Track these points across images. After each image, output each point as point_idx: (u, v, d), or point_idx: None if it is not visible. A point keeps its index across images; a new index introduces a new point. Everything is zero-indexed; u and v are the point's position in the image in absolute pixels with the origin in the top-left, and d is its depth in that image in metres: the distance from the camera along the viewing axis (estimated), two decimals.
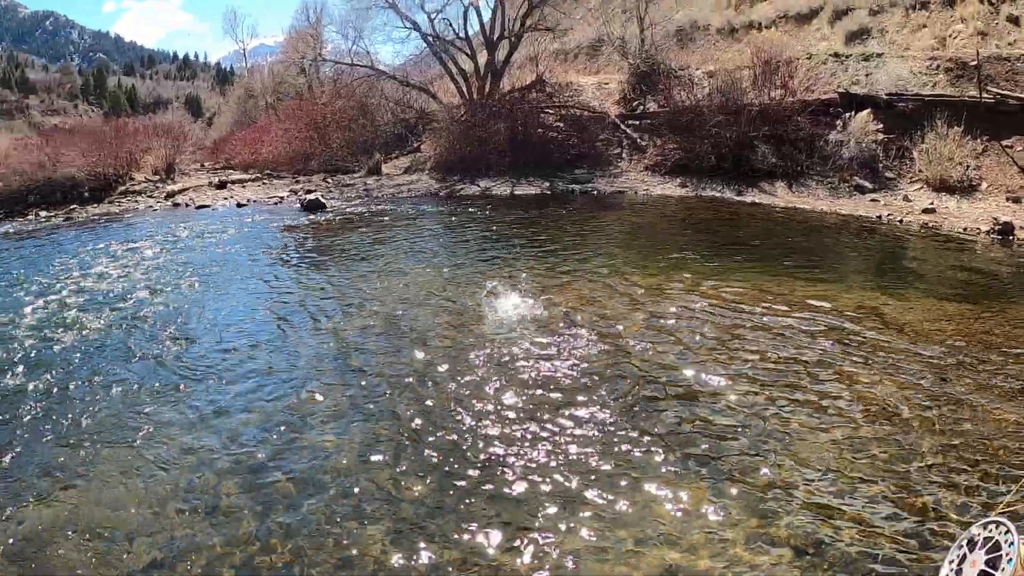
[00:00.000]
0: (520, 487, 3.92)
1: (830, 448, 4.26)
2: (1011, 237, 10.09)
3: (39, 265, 9.58)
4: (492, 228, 11.27)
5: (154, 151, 18.79)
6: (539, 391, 5.06)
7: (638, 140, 16.74)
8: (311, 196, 14.28)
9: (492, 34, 18.94)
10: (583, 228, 11.14)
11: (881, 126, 13.58)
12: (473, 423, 4.63)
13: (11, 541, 3.63)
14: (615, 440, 4.38)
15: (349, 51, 21.57)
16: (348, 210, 13.58)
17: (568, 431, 4.50)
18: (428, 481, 4.00)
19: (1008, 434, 4.40)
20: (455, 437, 4.46)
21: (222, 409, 5.00)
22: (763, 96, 14.92)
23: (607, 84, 19.15)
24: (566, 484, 3.92)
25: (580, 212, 12.76)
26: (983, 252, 9.56)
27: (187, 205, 15.10)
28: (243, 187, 17.18)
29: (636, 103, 17.76)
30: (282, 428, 4.69)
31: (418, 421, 4.70)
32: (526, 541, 3.48)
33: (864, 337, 6.00)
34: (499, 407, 4.84)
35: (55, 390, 5.43)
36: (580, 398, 4.95)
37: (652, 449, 4.26)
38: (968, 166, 12.32)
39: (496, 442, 4.39)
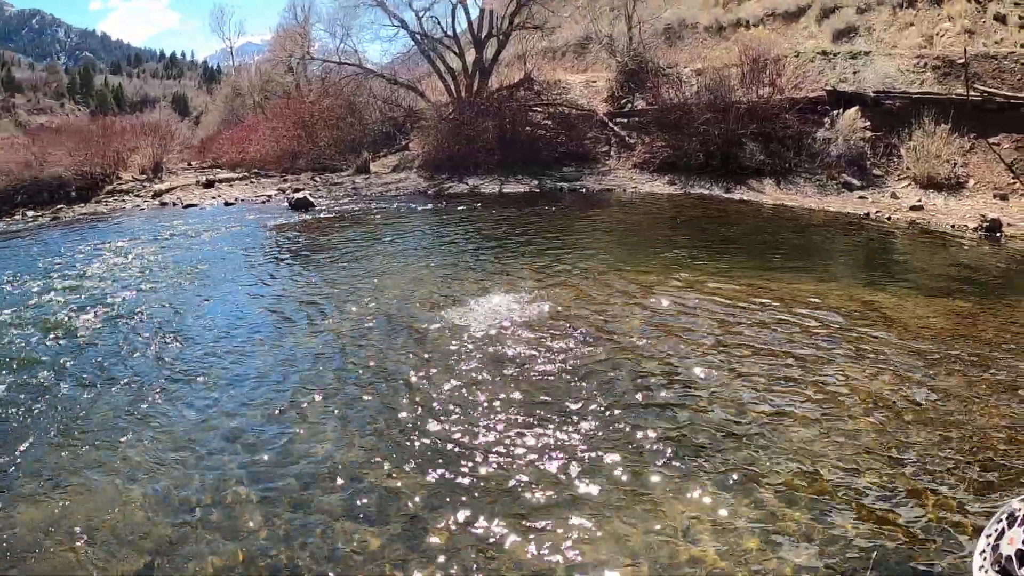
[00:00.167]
0: (520, 483, 3.87)
1: (829, 440, 4.24)
2: (999, 234, 10.15)
3: (26, 265, 9.41)
4: (481, 226, 11.21)
5: (141, 150, 18.58)
6: (534, 388, 5.01)
7: (626, 138, 16.74)
8: (299, 195, 14.17)
9: (480, 32, 18.89)
10: (572, 226, 11.11)
11: (869, 124, 13.65)
12: (469, 420, 4.58)
13: (3, 542, 3.54)
14: (615, 436, 4.33)
15: (337, 49, 21.55)
16: (336, 209, 13.49)
17: (566, 427, 4.45)
18: (427, 479, 3.94)
19: (1001, 427, 4.41)
20: (451, 434, 4.40)
21: (212, 408, 4.92)
22: (751, 94, 14.96)
23: (595, 82, 19.14)
24: (566, 480, 3.88)
25: (569, 210, 12.74)
26: (971, 249, 9.61)
27: (175, 204, 14.93)
28: (231, 186, 17.02)
29: (624, 101, 17.76)
30: (275, 427, 4.61)
31: (414, 419, 4.63)
32: (529, 538, 3.43)
33: (858, 333, 6.00)
34: (495, 404, 4.78)
35: (43, 390, 5.31)
36: (577, 394, 4.90)
37: (652, 446, 4.22)
38: (955, 163, 12.41)
39: (494, 438, 4.34)
